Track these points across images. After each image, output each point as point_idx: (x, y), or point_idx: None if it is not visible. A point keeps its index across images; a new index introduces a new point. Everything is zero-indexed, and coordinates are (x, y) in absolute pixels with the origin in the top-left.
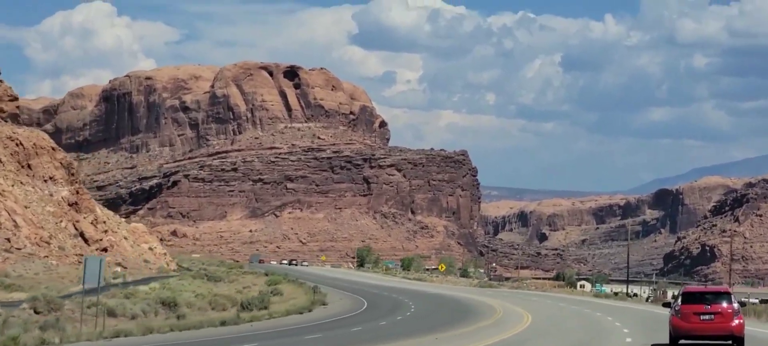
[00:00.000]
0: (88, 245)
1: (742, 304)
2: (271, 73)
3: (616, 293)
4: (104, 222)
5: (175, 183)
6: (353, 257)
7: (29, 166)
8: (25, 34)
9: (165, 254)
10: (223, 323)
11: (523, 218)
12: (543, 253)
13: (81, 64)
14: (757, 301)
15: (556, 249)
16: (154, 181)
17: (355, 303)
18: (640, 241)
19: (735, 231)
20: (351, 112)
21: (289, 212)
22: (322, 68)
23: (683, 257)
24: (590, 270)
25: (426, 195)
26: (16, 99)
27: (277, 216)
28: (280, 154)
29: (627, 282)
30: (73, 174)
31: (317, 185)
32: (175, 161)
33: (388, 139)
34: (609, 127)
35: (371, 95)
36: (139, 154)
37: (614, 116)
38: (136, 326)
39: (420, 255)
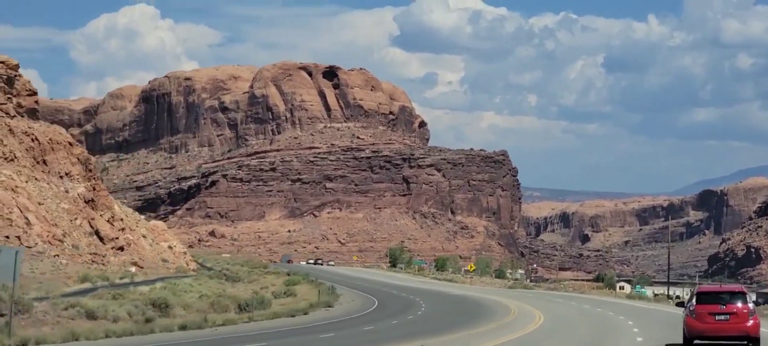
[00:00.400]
0: (104, 243)
1: (757, 304)
2: (310, 74)
3: (656, 295)
4: (121, 220)
5: (213, 183)
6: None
7: (45, 161)
8: (70, 37)
9: (185, 253)
10: (200, 326)
11: (565, 219)
12: (585, 254)
13: (125, 66)
14: None
15: (598, 250)
16: (193, 181)
17: (365, 305)
18: (683, 242)
19: None
20: (390, 113)
21: (328, 212)
22: (361, 68)
23: (728, 258)
24: (633, 272)
25: (466, 195)
26: (34, 93)
27: (315, 216)
28: (319, 154)
29: (667, 284)
30: (90, 170)
31: (356, 185)
32: (213, 161)
33: (427, 140)
34: (652, 129)
35: (413, 97)
36: (178, 155)
37: (658, 117)
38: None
39: (460, 255)
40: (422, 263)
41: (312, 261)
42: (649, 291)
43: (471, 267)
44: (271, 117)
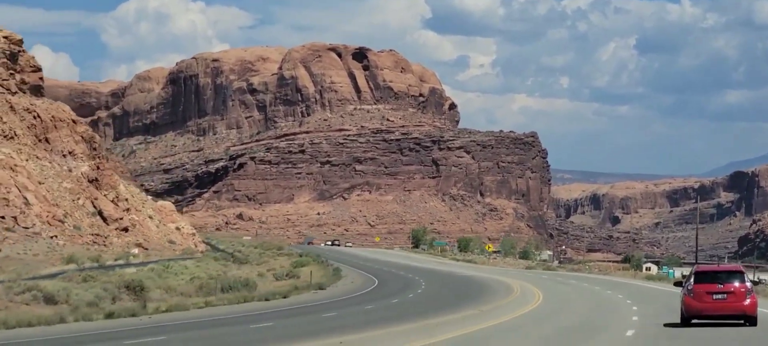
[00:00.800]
0: (107, 223)
1: (755, 283)
2: (339, 55)
3: (684, 276)
4: (126, 200)
5: (241, 166)
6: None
7: (47, 139)
8: (101, 20)
9: (194, 234)
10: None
11: (595, 200)
12: (615, 236)
13: (155, 49)
14: None
15: (628, 232)
16: (220, 163)
17: (361, 286)
18: (714, 224)
19: None
20: (420, 94)
21: (358, 195)
22: (391, 50)
23: (758, 239)
24: (662, 253)
25: (495, 177)
26: (39, 70)
27: (345, 199)
28: (348, 136)
29: (696, 265)
30: (95, 149)
31: (386, 167)
32: (241, 144)
33: (457, 122)
34: (684, 110)
35: (445, 80)
36: (206, 137)
37: (690, 99)
38: None
39: (488, 237)
40: (444, 244)
41: (330, 243)
42: (677, 272)
43: (489, 247)
44: (300, 99)
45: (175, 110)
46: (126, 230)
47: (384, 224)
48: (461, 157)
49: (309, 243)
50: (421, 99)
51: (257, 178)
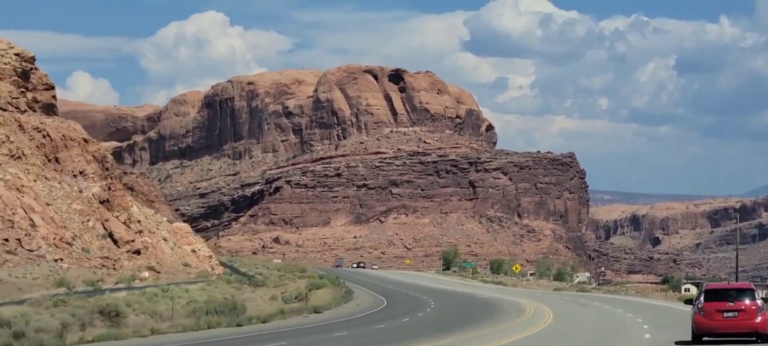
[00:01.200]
0: (118, 246)
1: (766, 300)
2: (375, 77)
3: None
4: (138, 222)
5: (277, 189)
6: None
7: (57, 159)
8: (140, 46)
9: (210, 256)
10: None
11: (635, 221)
12: (655, 257)
13: (194, 73)
14: None
15: (668, 253)
16: (256, 187)
17: (364, 308)
18: (756, 244)
19: None
20: (457, 116)
21: (394, 218)
22: (427, 71)
23: None
24: (704, 274)
25: (533, 198)
26: (51, 88)
27: (381, 222)
28: (384, 159)
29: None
30: (107, 169)
31: (422, 190)
32: (278, 167)
33: (495, 143)
34: (724, 130)
35: (483, 102)
36: (242, 161)
37: (730, 119)
38: None
39: (526, 259)
40: (473, 266)
41: (355, 265)
42: None
43: (516, 268)
44: (335, 122)
45: (210, 134)
46: (138, 252)
47: (421, 247)
48: (498, 178)
49: (338, 266)
50: (458, 121)
51: (293, 201)
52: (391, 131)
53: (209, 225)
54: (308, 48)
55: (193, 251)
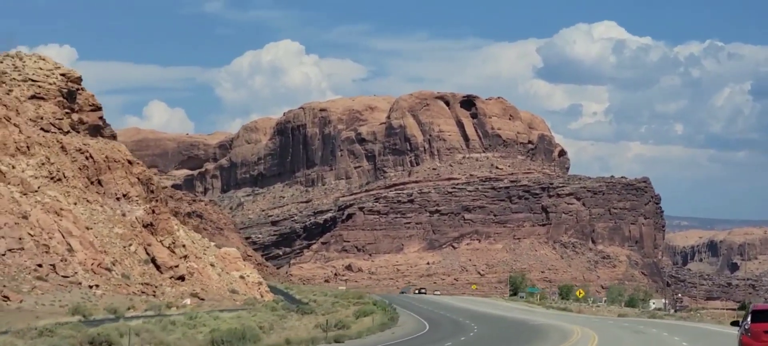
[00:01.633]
0: (161, 272)
1: None
2: (447, 103)
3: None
4: (183, 246)
5: (349, 216)
6: (506, 284)
7: (99, 182)
8: (215, 75)
9: (260, 283)
10: None
11: (712, 247)
12: (734, 283)
13: (270, 102)
14: None
15: (747, 279)
16: (329, 214)
17: (402, 335)
18: None
19: None
20: (529, 142)
21: (467, 244)
22: (498, 97)
23: None
24: None
25: (607, 224)
26: (99, 109)
27: (454, 248)
28: (457, 184)
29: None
30: (152, 191)
31: (495, 216)
32: (351, 194)
33: (567, 169)
34: None
35: (557, 129)
36: (315, 188)
37: None
38: None
39: (601, 285)
40: (536, 291)
41: (416, 291)
42: None
43: (580, 293)
44: (408, 148)
45: (282, 161)
46: (182, 278)
47: (494, 273)
48: (571, 203)
49: (402, 293)
50: (530, 146)
51: (366, 228)
52: (464, 157)
53: (281, 253)
54: (383, 76)
55: (242, 277)
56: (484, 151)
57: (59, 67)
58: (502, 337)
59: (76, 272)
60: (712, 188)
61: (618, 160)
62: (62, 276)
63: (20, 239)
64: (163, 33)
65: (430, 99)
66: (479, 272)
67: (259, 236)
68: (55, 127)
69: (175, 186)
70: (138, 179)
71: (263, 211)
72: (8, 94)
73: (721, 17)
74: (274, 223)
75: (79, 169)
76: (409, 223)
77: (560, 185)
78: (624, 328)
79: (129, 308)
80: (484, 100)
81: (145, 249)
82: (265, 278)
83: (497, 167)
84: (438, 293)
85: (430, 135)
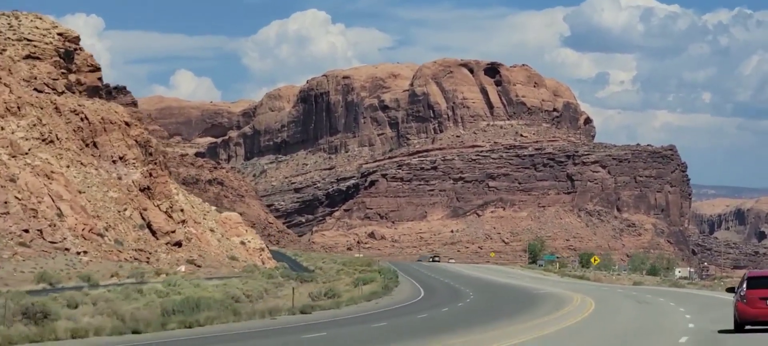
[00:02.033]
0: (156, 237)
1: None
2: (471, 70)
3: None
4: (182, 211)
5: (372, 183)
6: (524, 252)
7: (95, 143)
8: (242, 44)
9: (263, 249)
10: None
11: (740, 216)
12: (761, 252)
13: (296, 71)
14: None
15: None
16: (351, 182)
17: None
18: None
19: None
20: (554, 109)
21: (492, 211)
22: (523, 65)
23: None
24: None
25: (632, 192)
26: (97, 69)
27: (479, 215)
28: (481, 152)
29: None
30: (151, 154)
31: (520, 183)
32: (374, 161)
33: (593, 136)
34: None
35: (584, 97)
36: (338, 155)
37: None
38: None
39: (626, 254)
40: (552, 258)
41: (430, 259)
42: None
43: (595, 260)
44: (432, 115)
45: (306, 128)
46: (179, 244)
47: (518, 242)
48: (597, 172)
49: (419, 261)
50: (555, 114)
51: (389, 195)
52: (488, 125)
53: (303, 220)
54: (409, 45)
55: (243, 243)
56: (508, 119)
57: (56, 27)
58: (494, 305)
59: (64, 238)
60: (740, 157)
61: (645, 129)
62: (50, 242)
63: (6, 202)
64: (190, 2)
65: (454, 66)
66: (503, 240)
67: (282, 203)
68: (49, 87)
69: (199, 154)
70: (136, 141)
71: (286, 178)
72: (1, 53)
73: None
74: (297, 190)
75: (74, 131)
76: (432, 190)
77: (585, 152)
78: (630, 297)
79: (112, 275)
80: (508, 68)
81: (141, 214)
82: (286, 246)
83: (522, 135)
84: (452, 261)
85: (454, 102)
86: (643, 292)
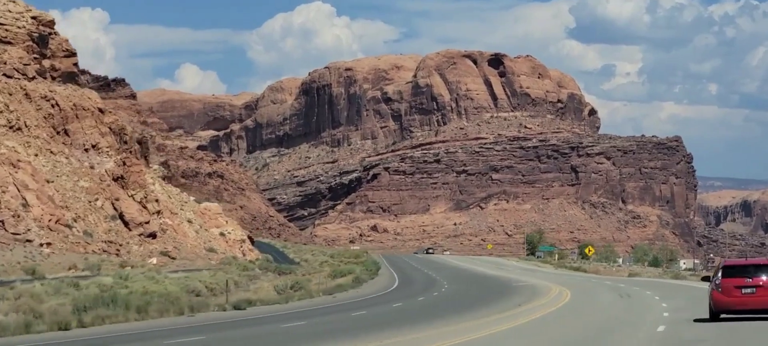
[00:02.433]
0: (129, 229)
1: None
2: (474, 62)
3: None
4: (157, 201)
5: (375, 176)
6: (524, 244)
7: (66, 131)
8: (247, 38)
9: (244, 240)
10: None
11: (746, 207)
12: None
13: (301, 63)
14: None
15: None
16: (354, 175)
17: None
18: None
19: None
20: (559, 101)
21: (495, 204)
22: (527, 56)
23: None
24: None
25: (637, 183)
26: (73, 55)
27: (482, 208)
28: (485, 144)
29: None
30: (125, 142)
31: (523, 175)
32: (377, 154)
33: (598, 128)
34: None
35: (590, 89)
36: (341, 148)
37: None
38: None
39: (631, 246)
40: (550, 249)
41: (424, 251)
42: None
43: (589, 251)
44: (435, 107)
45: (308, 121)
46: (153, 236)
47: (522, 234)
48: (601, 163)
49: (415, 253)
50: (560, 105)
51: (392, 188)
52: (492, 116)
53: (306, 213)
54: (414, 37)
55: (222, 234)
56: (512, 110)
57: (30, 10)
58: (464, 296)
59: (28, 229)
60: (747, 149)
61: (651, 121)
62: (12, 233)
63: None
64: None
65: (458, 57)
66: (507, 233)
67: (284, 196)
68: (18, 73)
69: (201, 147)
70: (109, 128)
71: (289, 171)
72: None
73: None
74: (299, 183)
75: (44, 118)
76: (435, 183)
77: (590, 144)
78: (615, 289)
79: (70, 268)
80: (512, 59)
81: (113, 204)
82: (287, 239)
83: (526, 126)
84: (448, 253)
85: (458, 94)
86: (634, 284)
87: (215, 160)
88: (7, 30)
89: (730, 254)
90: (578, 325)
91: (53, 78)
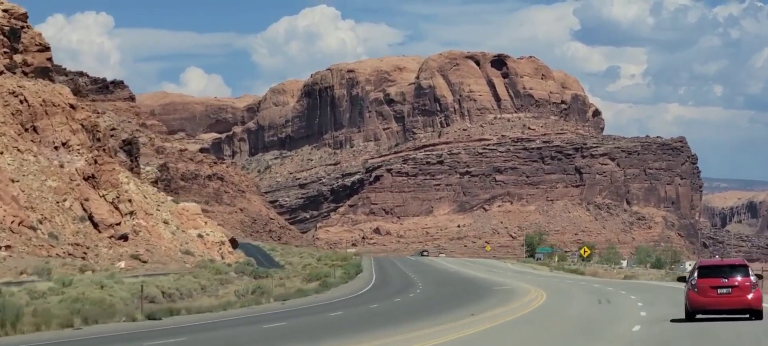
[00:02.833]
0: (99, 230)
1: (759, 276)
2: (477, 63)
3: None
4: (130, 201)
5: (377, 178)
6: (522, 245)
7: (35, 128)
8: (252, 41)
9: (223, 242)
10: None
11: (752, 208)
12: None
13: (306, 67)
14: None
15: None
16: (356, 177)
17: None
18: None
19: None
20: (562, 102)
21: (499, 206)
22: (530, 57)
23: None
24: None
25: (642, 184)
26: (46, 49)
27: (486, 210)
28: (488, 145)
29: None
30: (98, 139)
31: (527, 177)
32: (380, 156)
33: (602, 129)
34: None
35: (595, 91)
36: (343, 150)
37: None
38: None
39: (638, 247)
40: (548, 251)
41: (419, 253)
42: None
43: (585, 252)
44: (438, 109)
45: (310, 123)
46: (124, 238)
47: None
48: (606, 164)
49: (411, 255)
50: (563, 106)
51: (395, 190)
52: (495, 118)
53: (308, 216)
54: (418, 40)
55: (200, 235)
56: (515, 112)
57: (2, 3)
58: (438, 299)
59: None
60: (752, 150)
61: (656, 123)
62: None
63: None
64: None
65: (460, 59)
66: (511, 235)
67: (287, 199)
68: None
69: (203, 150)
70: (81, 125)
71: (291, 173)
72: None
73: None
74: (301, 186)
75: (12, 114)
76: (438, 185)
77: (594, 145)
78: (593, 290)
79: (21, 273)
80: (515, 60)
81: (82, 205)
82: (288, 242)
83: (529, 128)
84: (442, 255)
85: (461, 95)
86: (619, 287)
87: (215, 163)
88: None
89: (736, 255)
90: (532, 335)
91: (25, 73)
